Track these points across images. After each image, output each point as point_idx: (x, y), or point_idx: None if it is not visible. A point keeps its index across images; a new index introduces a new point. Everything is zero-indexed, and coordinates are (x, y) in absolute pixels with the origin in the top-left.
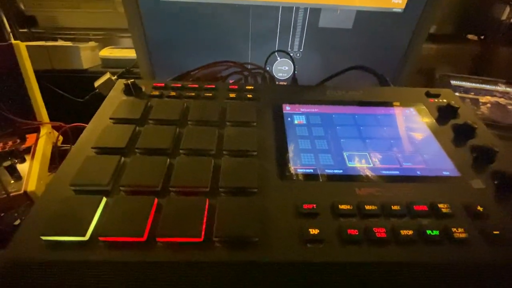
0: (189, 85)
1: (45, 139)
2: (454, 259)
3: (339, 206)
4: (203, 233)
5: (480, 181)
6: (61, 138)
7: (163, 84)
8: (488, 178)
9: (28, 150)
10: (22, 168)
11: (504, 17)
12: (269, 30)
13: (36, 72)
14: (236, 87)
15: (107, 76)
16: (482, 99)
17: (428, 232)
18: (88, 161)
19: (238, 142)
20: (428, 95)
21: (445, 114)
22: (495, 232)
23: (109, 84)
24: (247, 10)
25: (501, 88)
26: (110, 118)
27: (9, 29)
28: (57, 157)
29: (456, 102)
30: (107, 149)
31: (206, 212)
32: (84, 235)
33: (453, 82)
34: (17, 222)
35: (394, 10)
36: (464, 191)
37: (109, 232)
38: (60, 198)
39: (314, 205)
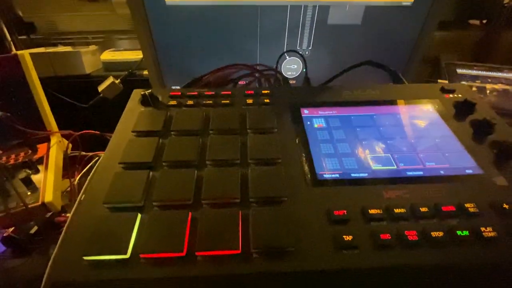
0: (206, 93)
1: (56, 148)
2: (486, 259)
3: (369, 210)
4: (240, 245)
5: (503, 178)
6: (70, 145)
7: (179, 93)
8: (511, 175)
9: (40, 161)
10: (36, 178)
11: (506, 0)
12: (278, 30)
13: (40, 80)
14: (252, 92)
15: (110, 80)
16: (489, 86)
17: (458, 232)
18: (117, 177)
19: (262, 150)
20: (444, 90)
21: (462, 110)
22: None
23: (112, 88)
24: (255, 11)
25: (507, 74)
26: (133, 131)
27: (9, 38)
28: (68, 164)
29: (473, 97)
30: (134, 164)
31: (240, 224)
32: (125, 253)
33: (459, 71)
34: (33, 230)
35: (404, 3)
36: (489, 189)
37: (149, 248)
38: (94, 216)
39: (345, 211)
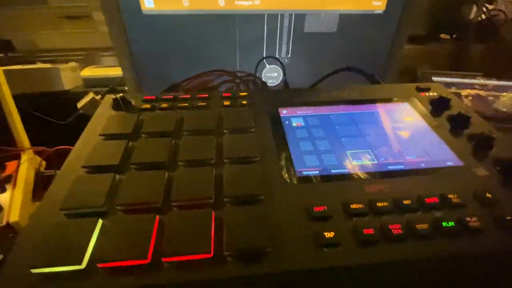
0: (181, 96)
1: (27, 166)
2: (473, 249)
3: (351, 205)
4: (212, 248)
5: (483, 169)
6: (44, 163)
7: (154, 97)
8: (490, 165)
9: (8, 179)
10: (2, 198)
11: (472, 16)
12: (256, 38)
13: (15, 97)
14: (230, 94)
15: (90, 96)
16: (464, 92)
17: (444, 224)
18: (79, 181)
19: (238, 149)
20: (419, 89)
21: (438, 106)
22: (507, 218)
23: (93, 104)
24: (233, 19)
25: (479, 81)
26: (100, 135)
27: None
28: (40, 184)
29: (447, 94)
30: (99, 167)
31: (213, 225)
32: (80, 263)
33: (434, 79)
34: (0, 257)
35: (375, 12)
36: (470, 179)
37: (108, 257)
38: (48, 224)
39: (325, 207)
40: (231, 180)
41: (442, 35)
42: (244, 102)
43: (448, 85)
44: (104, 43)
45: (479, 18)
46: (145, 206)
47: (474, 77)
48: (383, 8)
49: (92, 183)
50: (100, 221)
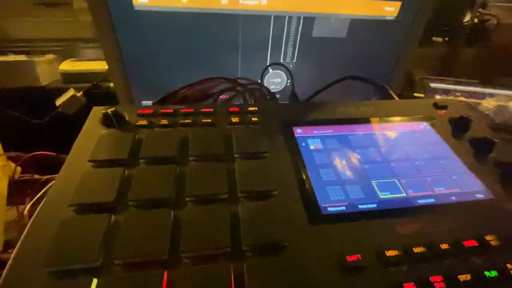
0: (183, 110)
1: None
2: None
3: (386, 252)
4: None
5: None
6: (19, 169)
7: (151, 111)
8: None
9: None
10: None
11: (466, 19)
12: (260, 42)
13: None
14: (238, 109)
15: (70, 92)
16: (461, 99)
17: (486, 274)
18: (65, 226)
19: (254, 181)
20: (437, 106)
21: (458, 127)
22: None
23: (73, 102)
24: (236, 20)
25: (475, 88)
26: (89, 161)
27: None
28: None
29: (467, 113)
30: (90, 205)
31: (233, 283)
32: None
33: (432, 85)
34: None
35: (387, 17)
36: (503, 216)
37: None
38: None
39: (359, 256)
40: (249, 224)
41: (434, 38)
42: (254, 119)
43: (446, 92)
44: (85, 33)
45: (473, 22)
46: (150, 259)
47: (471, 84)
48: (395, 14)
49: (83, 228)
50: (95, 281)
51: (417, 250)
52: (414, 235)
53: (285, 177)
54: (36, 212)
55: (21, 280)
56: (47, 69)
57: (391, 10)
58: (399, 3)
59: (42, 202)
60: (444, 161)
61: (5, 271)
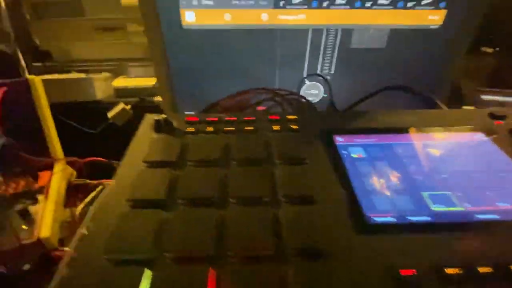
0: (226, 118)
1: (59, 177)
2: None
3: (445, 269)
4: None
5: None
6: (75, 173)
7: (197, 118)
8: None
9: (41, 190)
10: (35, 209)
11: None
12: (298, 54)
13: (50, 106)
14: (278, 118)
15: (120, 106)
16: None
17: None
18: (122, 219)
19: (295, 186)
20: (493, 117)
21: None
22: None
23: (122, 114)
24: (275, 35)
25: None
26: (144, 161)
27: (24, 64)
28: (70, 192)
29: None
30: (144, 201)
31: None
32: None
33: (483, 97)
34: (27, 267)
35: (431, 27)
36: None
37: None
38: (90, 272)
39: (415, 271)
40: (292, 228)
41: (483, 48)
42: (294, 126)
43: (501, 104)
44: (134, 54)
45: None
46: (197, 255)
47: None
48: (440, 22)
49: (139, 222)
50: (147, 273)
51: (482, 270)
52: (476, 252)
53: (326, 183)
54: (94, 204)
55: (83, 265)
56: (102, 85)
57: (435, 19)
58: (444, 11)
59: (103, 193)
60: (506, 174)
61: (68, 257)
